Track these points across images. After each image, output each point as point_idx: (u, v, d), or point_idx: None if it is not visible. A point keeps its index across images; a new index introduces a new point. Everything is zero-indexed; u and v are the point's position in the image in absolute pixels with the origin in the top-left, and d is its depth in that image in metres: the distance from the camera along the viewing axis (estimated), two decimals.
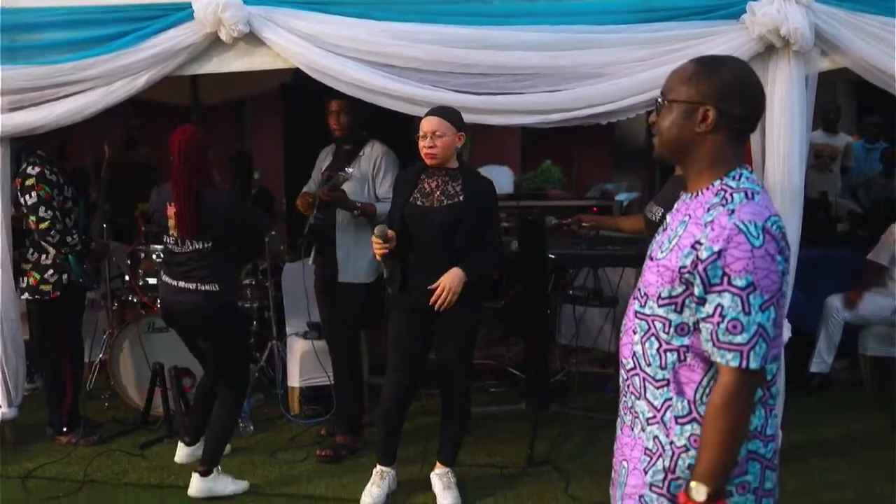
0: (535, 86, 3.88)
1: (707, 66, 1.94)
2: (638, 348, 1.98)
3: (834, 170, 7.58)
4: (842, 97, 9.04)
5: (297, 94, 6.49)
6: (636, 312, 1.99)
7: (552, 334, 5.48)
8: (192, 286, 3.91)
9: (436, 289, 3.59)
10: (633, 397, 2.01)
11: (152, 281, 5.15)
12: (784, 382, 4.12)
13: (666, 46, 3.83)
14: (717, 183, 1.91)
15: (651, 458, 1.95)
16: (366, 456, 4.33)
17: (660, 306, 1.91)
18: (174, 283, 3.97)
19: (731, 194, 1.87)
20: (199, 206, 3.83)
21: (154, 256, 5.12)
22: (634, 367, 1.99)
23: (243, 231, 4.12)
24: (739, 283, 1.79)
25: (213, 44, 3.95)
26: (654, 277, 1.93)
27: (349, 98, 4.07)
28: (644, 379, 1.97)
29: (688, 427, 1.90)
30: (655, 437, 1.95)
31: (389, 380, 3.83)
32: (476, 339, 3.93)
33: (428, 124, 3.62)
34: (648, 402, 1.96)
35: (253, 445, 4.61)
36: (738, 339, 1.80)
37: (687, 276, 1.85)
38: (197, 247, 3.92)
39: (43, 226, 4.38)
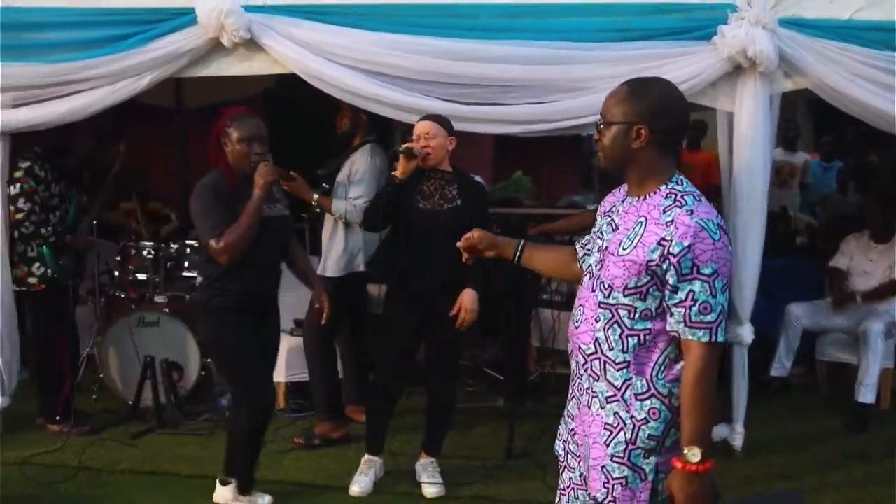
0: (520, 97, 4.11)
1: (637, 89, 2.22)
2: (601, 335, 2.21)
3: (793, 186, 7.94)
4: (800, 116, 9.43)
5: (280, 99, 6.69)
6: (599, 303, 2.22)
7: (527, 336, 5.70)
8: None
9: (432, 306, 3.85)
10: (591, 379, 2.26)
11: (142, 276, 5.30)
12: (747, 385, 4.40)
13: (642, 64, 4.04)
14: (664, 188, 2.19)
15: (611, 432, 2.21)
16: (353, 449, 4.51)
17: (626, 296, 2.17)
18: None
19: (682, 197, 2.16)
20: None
21: (144, 252, 5.27)
22: (595, 352, 2.23)
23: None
24: (707, 271, 2.09)
25: (215, 48, 4.12)
26: (619, 271, 2.16)
27: (350, 104, 4.33)
28: (605, 362, 2.21)
29: (647, 402, 2.18)
30: (615, 413, 2.20)
31: (382, 372, 4.03)
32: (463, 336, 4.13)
33: (421, 127, 3.85)
34: (609, 382, 2.21)
35: None
36: (709, 318, 2.10)
37: (654, 268, 2.12)
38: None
39: (18, 216, 4.52)
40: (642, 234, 2.15)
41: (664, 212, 2.15)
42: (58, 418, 4.75)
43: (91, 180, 5.38)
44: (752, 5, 3.99)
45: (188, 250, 5.50)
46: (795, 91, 4.19)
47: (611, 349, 2.20)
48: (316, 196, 4.51)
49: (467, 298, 3.85)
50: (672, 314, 2.14)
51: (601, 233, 2.30)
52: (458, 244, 2.63)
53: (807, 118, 10.37)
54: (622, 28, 4.07)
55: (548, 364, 5.79)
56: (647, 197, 2.21)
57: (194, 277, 5.53)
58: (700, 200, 2.17)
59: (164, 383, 4.89)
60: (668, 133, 2.20)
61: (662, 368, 2.19)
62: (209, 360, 5.14)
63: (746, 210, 4.17)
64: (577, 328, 2.30)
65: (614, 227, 2.26)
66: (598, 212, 2.41)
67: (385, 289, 4.16)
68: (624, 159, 2.22)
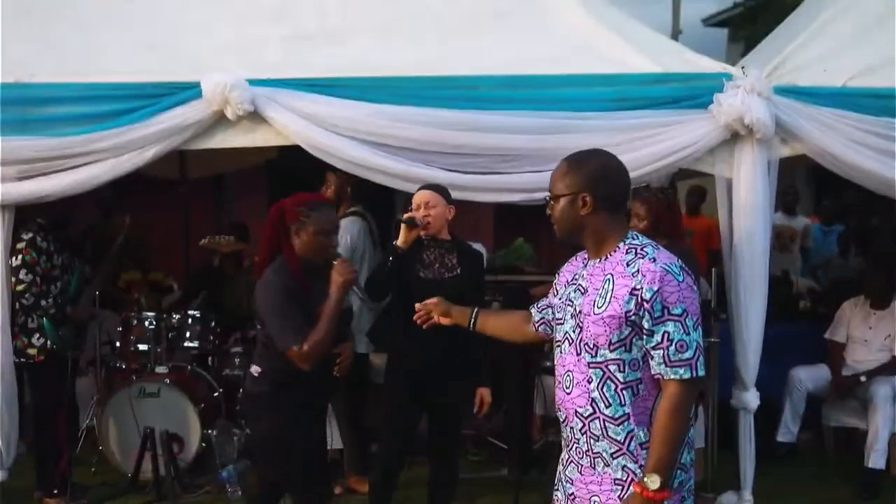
0: (520, 166, 4.15)
1: (576, 162, 2.42)
2: (596, 394, 2.31)
3: (794, 250, 7.97)
4: (799, 181, 9.51)
5: (283, 170, 6.76)
6: (589, 364, 2.32)
7: (531, 404, 5.65)
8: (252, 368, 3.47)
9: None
10: (591, 441, 2.34)
11: (143, 347, 5.29)
12: (754, 451, 4.35)
13: (640, 133, 4.12)
14: (622, 245, 2.36)
15: (623, 486, 2.29)
16: None
17: (612, 351, 2.28)
18: None
19: (642, 248, 2.33)
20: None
21: (146, 323, 5.26)
22: (593, 413, 2.32)
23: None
24: (677, 311, 2.24)
25: (219, 121, 4.16)
26: (600, 328, 2.28)
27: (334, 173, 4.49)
28: (604, 421, 2.30)
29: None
30: (623, 466, 2.30)
31: (384, 447, 3.98)
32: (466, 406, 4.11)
33: (421, 196, 3.87)
34: (611, 439, 2.30)
35: None
36: (686, 354, 2.24)
37: (633, 318, 2.25)
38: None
39: (19, 288, 4.51)
40: (612, 290, 2.29)
41: (628, 265, 2.30)
42: (55, 492, 4.69)
43: (93, 251, 5.41)
44: (747, 74, 4.07)
45: (190, 321, 5.50)
46: (794, 156, 4.24)
47: (608, 406, 2.30)
48: None
49: (486, 395, 3.97)
50: (652, 357, 2.26)
51: (570, 300, 2.42)
52: (417, 309, 2.78)
53: (806, 183, 10.46)
54: (621, 98, 4.14)
55: (552, 432, 5.72)
56: (608, 256, 2.36)
57: (195, 347, 5.54)
58: (658, 249, 2.34)
59: (163, 455, 4.83)
60: (610, 197, 2.38)
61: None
62: (211, 432, 5.10)
63: (748, 275, 4.18)
64: (569, 393, 2.38)
65: (583, 290, 2.38)
66: (558, 281, 2.55)
67: (386, 358, 4.14)
68: (576, 228, 2.38)
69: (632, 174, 4.01)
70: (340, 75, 4.18)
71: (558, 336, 2.46)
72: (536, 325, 2.72)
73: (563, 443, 2.50)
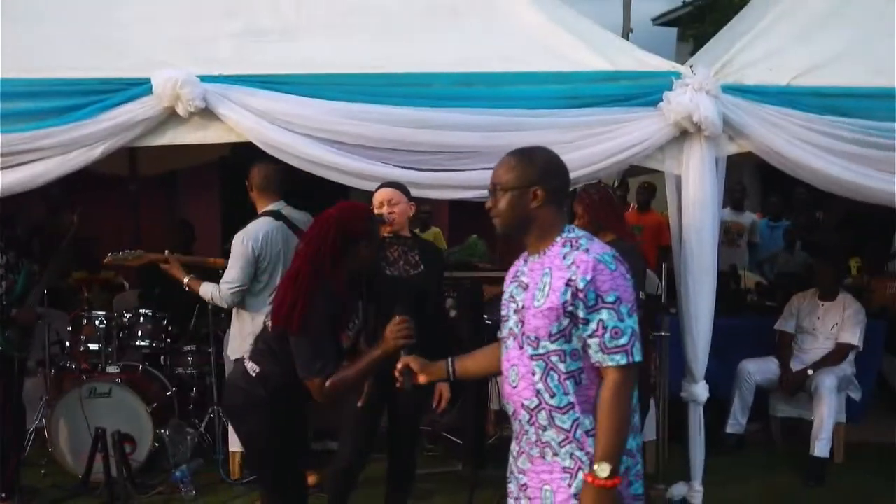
0: (474, 163, 4.15)
1: (526, 156, 2.47)
2: (540, 385, 2.36)
3: (741, 245, 8.13)
4: (747, 178, 9.68)
5: (235, 167, 6.70)
6: (531, 356, 2.37)
7: (486, 400, 5.69)
8: (246, 361, 3.34)
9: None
10: (539, 431, 2.39)
11: (94, 346, 5.22)
12: (704, 442, 4.43)
13: (590, 130, 4.15)
14: (559, 239, 2.41)
15: (571, 474, 2.35)
16: None
17: (553, 342, 2.34)
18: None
19: (577, 241, 2.39)
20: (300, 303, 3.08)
21: (97, 322, 5.19)
22: (539, 404, 2.38)
23: None
24: (610, 299, 2.30)
25: (170, 117, 4.09)
26: (540, 321, 2.34)
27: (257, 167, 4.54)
28: (550, 411, 2.36)
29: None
30: (571, 454, 2.36)
31: (347, 446, 3.97)
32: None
33: (384, 194, 3.88)
34: (558, 427, 2.36)
35: None
36: (621, 341, 2.30)
37: (570, 308, 2.30)
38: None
39: None
40: (550, 283, 2.34)
41: (564, 258, 2.35)
42: (3, 495, 4.60)
43: (41, 250, 5.32)
44: (695, 72, 4.13)
45: (141, 319, 5.44)
46: (741, 153, 4.32)
47: (552, 396, 2.36)
48: (186, 279, 4.55)
49: (445, 390, 3.98)
50: (590, 346, 2.32)
51: (512, 297, 2.47)
52: (397, 370, 2.79)
53: (753, 179, 10.66)
54: (572, 95, 4.17)
55: (507, 427, 5.76)
56: (547, 251, 2.41)
57: (147, 346, 5.48)
58: (592, 240, 2.43)
59: (115, 456, 4.77)
60: (559, 191, 2.46)
61: None
62: (164, 432, 5.05)
63: (697, 270, 4.25)
64: (515, 387, 2.43)
65: (524, 286, 2.43)
66: (505, 283, 2.57)
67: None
68: (524, 221, 2.42)
69: (583, 171, 4.17)
70: (294, 72, 4.15)
71: (503, 333, 2.51)
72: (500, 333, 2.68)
73: (513, 435, 2.55)
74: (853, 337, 5.59)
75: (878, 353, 6.07)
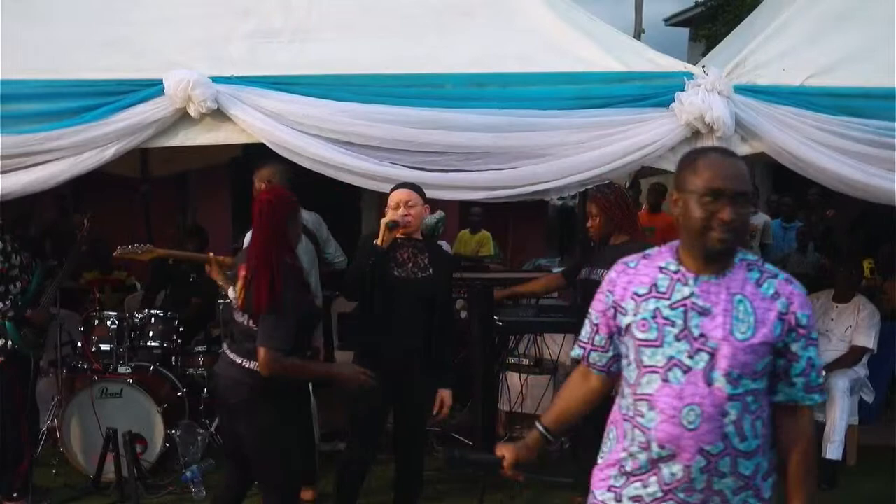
0: (486, 164, 4.15)
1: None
2: (731, 429, 2.08)
3: (754, 246, 8.08)
4: (758, 179, 9.65)
5: (248, 168, 6.71)
6: (729, 396, 2.07)
7: (496, 401, 5.68)
8: (238, 360, 3.44)
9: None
10: (711, 479, 2.11)
11: (105, 347, 5.23)
12: None
13: (602, 130, 4.14)
14: (737, 260, 2.16)
15: None
16: None
17: (754, 380, 2.09)
18: (226, 352, 3.54)
19: (761, 264, 2.17)
20: (264, 283, 3.31)
21: (108, 323, 5.21)
22: (724, 449, 2.09)
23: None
24: (815, 335, 2.14)
25: (181, 118, 4.11)
26: (749, 357, 2.07)
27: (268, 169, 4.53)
28: (735, 456, 2.10)
29: (770, 479, 2.18)
30: (744, 501, 2.15)
31: (354, 447, 3.98)
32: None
33: (401, 195, 3.88)
34: (739, 474, 2.12)
35: None
36: (821, 379, 2.16)
37: (780, 345, 2.10)
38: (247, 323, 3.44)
39: None
40: (755, 313, 2.09)
41: (759, 285, 2.12)
42: (15, 495, 4.62)
43: (53, 250, 5.34)
44: (707, 73, 4.12)
45: (153, 320, 5.45)
46: (753, 154, 4.30)
47: (743, 440, 2.11)
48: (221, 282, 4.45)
49: (447, 397, 3.95)
50: (793, 384, 2.13)
51: (669, 319, 2.12)
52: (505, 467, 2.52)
53: (764, 180, 10.62)
54: (584, 96, 4.16)
55: (517, 428, 5.76)
56: (728, 272, 2.13)
57: (158, 347, 5.49)
58: (776, 267, 2.21)
59: (126, 456, 4.79)
60: None
61: (770, 439, 2.19)
62: (174, 432, 5.06)
63: None
64: (692, 430, 2.10)
65: (702, 311, 2.11)
66: (620, 294, 2.21)
67: (353, 356, 4.14)
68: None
69: (595, 171, 4.16)
70: (305, 73, 4.16)
71: (655, 362, 2.14)
72: (603, 369, 2.35)
73: (652, 478, 2.18)
74: (868, 340, 5.56)
75: (891, 356, 6.03)
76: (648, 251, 2.28)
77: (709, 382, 2.08)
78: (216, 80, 4.06)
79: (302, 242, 4.63)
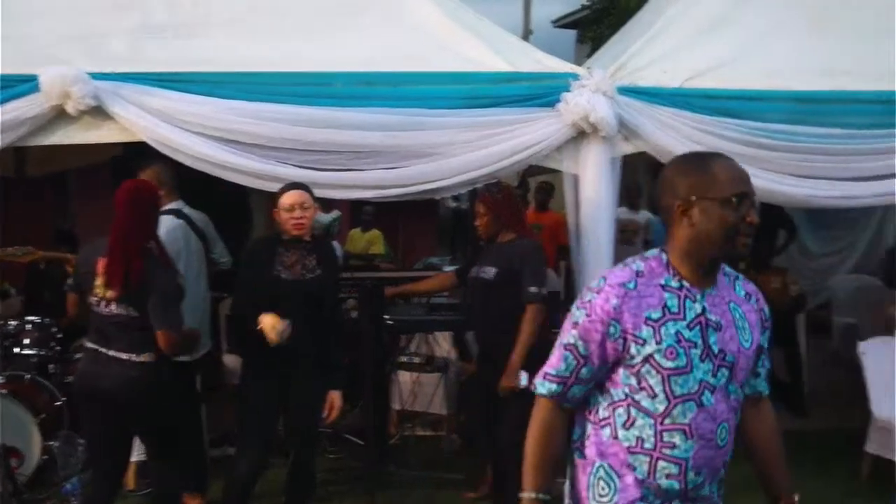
0: (375, 163, 4.15)
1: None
2: (729, 439, 2.07)
3: (637, 243, 8.33)
4: (641, 177, 9.94)
5: (129, 168, 6.49)
6: (735, 408, 2.06)
7: (388, 400, 5.68)
8: (124, 356, 3.51)
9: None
10: (714, 488, 2.10)
11: None
12: None
13: (490, 130, 4.19)
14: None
15: None
16: None
17: (741, 387, 2.09)
18: (103, 350, 3.56)
19: (723, 268, 2.11)
20: (137, 265, 3.50)
21: None
22: (720, 457, 2.07)
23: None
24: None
25: (59, 116, 3.95)
26: (751, 362, 2.09)
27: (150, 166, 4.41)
28: (725, 462, 2.11)
29: None
30: (720, 494, 2.16)
31: (246, 451, 3.90)
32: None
33: (296, 196, 3.83)
34: (721, 478, 2.13)
35: None
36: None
37: (762, 342, 2.13)
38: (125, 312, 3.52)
39: None
40: (746, 318, 2.09)
41: (735, 288, 2.12)
42: None
43: None
44: (592, 74, 4.23)
45: (29, 327, 5.22)
46: (636, 153, 4.43)
47: (732, 447, 2.12)
48: None
49: (337, 399, 3.92)
50: (758, 375, 2.18)
51: (691, 340, 2.00)
52: None
53: (647, 178, 10.95)
54: (473, 96, 4.20)
55: (408, 427, 5.78)
56: (718, 282, 2.08)
57: (35, 355, 5.26)
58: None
59: (0, 470, 4.56)
60: None
61: None
62: (53, 444, 4.85)
63: (594, 267, 4.31)
64: (722, 447, 2.06)
65: (715, 326, 2.02)
66: (630, 322, 1.99)
67: (241, 359, 4.07)
68: None
69: (483, 171, 4.22)
70: (190, 70, 4.06)
71: (689, 389, 1.99)
72: (579, 401, 2.13)
73: (669, 474, 2.02)
74: None
75: (790, 344, 6.30)
76: (635, 267, 2.06)
77: (728, 396, 2.05)
78: (96, 76, 3.92)
79: (191, 241, 4.56)
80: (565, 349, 2.06)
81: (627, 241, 8.14)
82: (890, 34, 4.53)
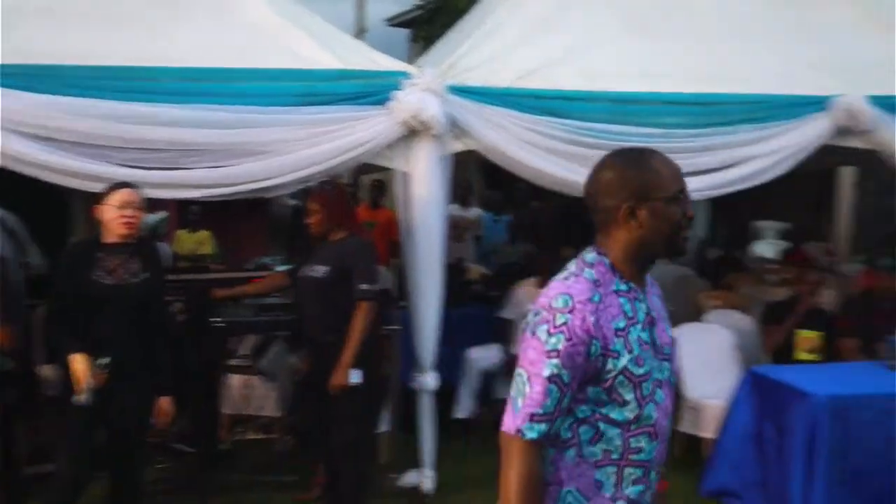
0: (203, 161, 4.05)
1: None
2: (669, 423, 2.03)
3: (467, 238, 8.51)
4: (471, 174, 10.17)
5: None
6: (672, 399, 2.05)
7: (217, 403, 5.52)
8: None
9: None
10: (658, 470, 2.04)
11: None
12: (435, 429, 4.60)
13: (323, 128, 4.20)
14: None
15: None
16: None
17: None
18: None
19: None
20: None
21: None
22: (665, 450, 2.05)
23: None
24: None
25: None
26: (674, 353, 2.07)
27: None
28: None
29: None
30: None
31: (66, 466, 3.68)
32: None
33: (128, 195, 3.63)
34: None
35: None
36: None
37: None
38: None
39: None
40: (663, 309, 2.09)
41: (651, 284, 2.09)
42: None
43: None
44: (423, 73, 4.28)
45: None
46: (467, 151, 4.52)
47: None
48: None
49: (166, 404, 3.80)
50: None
51: (647, 341, 1.95)
52: None
53: (477, 175, 11.20)
54: (306, 93, 4.18)
55: (240, 431, 5.65)
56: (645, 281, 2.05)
57: None
58: None
59: None
60: None
61: None
62: None
63: (425, 264, 4.41)
64: (670, 437, 2.08)
65: (654, 322, 2.00)
66: (609, 336, 1.88)
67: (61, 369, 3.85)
68: None
69: (316, 168, 4.19)
70: (3, 62, 3.80)
71: (651, 390, 1.94)
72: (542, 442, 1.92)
73: (636, 479, 1.95)
74: None
75: None
76: (587, 276, 1.94)
77: (671, 388, 2.03)
78: None
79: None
80: (549, 382, 1.85)
81: (458, 236, 8.30)
82: (706, 38, 4.82)
